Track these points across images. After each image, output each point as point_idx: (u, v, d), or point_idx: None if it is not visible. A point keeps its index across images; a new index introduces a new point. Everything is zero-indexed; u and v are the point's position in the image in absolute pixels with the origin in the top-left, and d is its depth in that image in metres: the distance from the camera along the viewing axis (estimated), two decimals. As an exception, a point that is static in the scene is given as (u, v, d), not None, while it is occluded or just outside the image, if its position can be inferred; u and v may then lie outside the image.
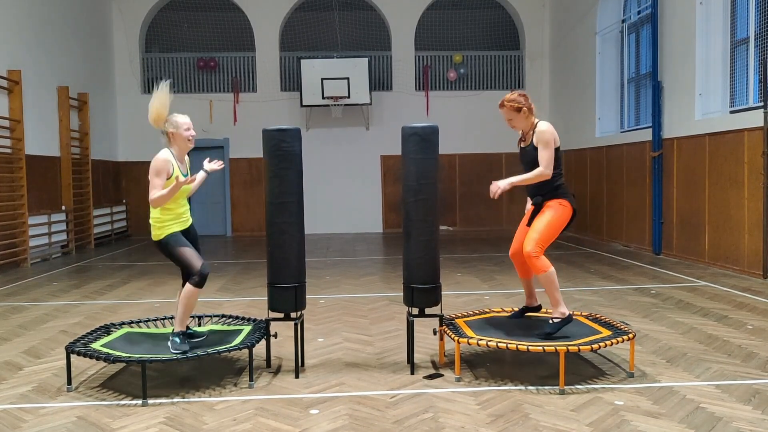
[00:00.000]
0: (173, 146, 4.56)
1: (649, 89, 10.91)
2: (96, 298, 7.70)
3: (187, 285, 4.48)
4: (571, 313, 4.62)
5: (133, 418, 3.83)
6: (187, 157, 4.72)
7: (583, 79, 13.69)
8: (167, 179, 4.41)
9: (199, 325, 5.24)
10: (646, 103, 11.49)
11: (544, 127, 4.60)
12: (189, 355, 4.26)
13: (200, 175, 4.75)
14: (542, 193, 4.61)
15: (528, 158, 4.65)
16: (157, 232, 4.50)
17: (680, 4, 9.88)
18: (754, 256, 8.24)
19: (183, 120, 4.59)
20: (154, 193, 4.36)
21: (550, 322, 4.55)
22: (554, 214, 4.53)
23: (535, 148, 4.58)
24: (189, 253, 4.49)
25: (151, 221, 4.53)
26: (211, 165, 4.84)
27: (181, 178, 4.44)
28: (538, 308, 5.01)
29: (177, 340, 4.43)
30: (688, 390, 4.17)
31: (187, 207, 4.68)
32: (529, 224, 4.68)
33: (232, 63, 15.70)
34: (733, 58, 9.22)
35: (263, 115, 14.94)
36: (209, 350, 4.33)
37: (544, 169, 4.50)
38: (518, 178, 4.57)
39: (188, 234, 4.63)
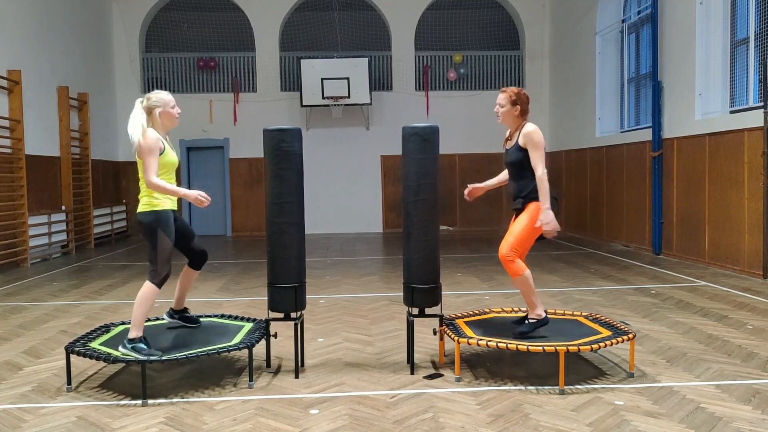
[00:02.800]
0: (156, 124, 4.41)
1: (649, 89, 10.91)
2: (96, 298, 7.70)
3: (148, 284, 4.30)
4: (547, 315, 4.59)
5: (133, 418, 3.83)
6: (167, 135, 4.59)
7: (583, 79, 13.69)
8: (159, 155, 4.33)
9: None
10: (646, 103, 11.50)
11: (531, 128, 4.52)
12: (189, 355, 4.25)
13: (187, 192, 4.50)
14: (522, 194, 4.58)
15: (510, 158, 4.61)
16: (152, 202, 4.33)
17: (680, 4, 9.88)
18: (754, 256, 8.24)
19: (169, 97, 4.45)
20: (152, 177, 4.23)
21: (526, 321, 4.57)
22: (531, 218, 4.48)
23: (519, 149, 4.54)
24: (168, 251, 4.33)
25: (141, 196, 4.39)
26: (198, 197, 4.41)
27: (172, 154, 4.44)
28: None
29: (143, 346, 4.21)
30: (688, 390, 4.17)
31: (174, 184, 4.54)
32: None
33: (232, 63, 15.70)
34: (733, 58, 9.23)
35: (263, 115, 14.95)
36: (209, 350, 4.33)
37: (541, 172, 4.46)
38: (544, 199, 4.44)
39: (176, 221, 4.50)
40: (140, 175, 4.40)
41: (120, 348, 4.26)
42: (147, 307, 4.30)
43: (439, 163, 4.59)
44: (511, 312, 5.22)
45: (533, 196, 4.52)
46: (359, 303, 7.11)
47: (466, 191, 5.02)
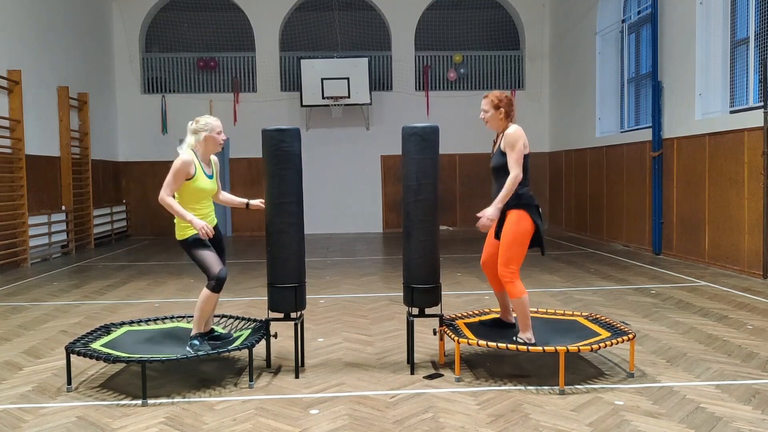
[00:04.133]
0: (198, 147, 4.54)
1: (649, 89, 10.91)
2: (96, 298, 7.70)
3: (204, 289, 4.46)
4: (535, 342, 4.46)
5: (133, 418, 3.83)
6: (213, 157, 4.71)
7: (583, 79, 13.69)
8: (188, 180, 4.43)
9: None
10: (646, 103, 11.49)
11: (512, 129, 4.49)
12: (189, 355, 4.25)
13: (239, 201, 4.91)
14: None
15: (493, 163, 4.58)
16: (181, 232, 4.51)
17: (680, 4, 9.88)
18: (754, 256, 8.24)
19: (216, 123, 4.60)
20: (164, 195, 4.39)
21: (514, 339, 4.49)
22: (516, 230, 4.45)
23: (501, 153, 4.50)
24: (209, 256, 4.46)
25: (175, 220, 4.51)
26: (256, 202, 4.83)
27: (205, 181, 4.51)
28: (512, 326, 4.84)
29: (196, 342, 4.43)
30: (688, 390, 4.17)
31: (212, 208, 4.67)
32: (496, 236, 4.63)
33: (232, 63, 15.70)
34: (733, 58, 9.22)
35: (263, 115, 14.94)
36: (209, 350, 4.33)
37: (515, 174, 4.39)
38: (499, 198, 4.44)
39: (213, 236, 4.58)
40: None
41: (187, 347, 4.47)
42: (204, 312, 4.49)
43: (439, 163, 4.59)
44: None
45: (513, 203, 4.47)
46: (359, 303, 7.11)
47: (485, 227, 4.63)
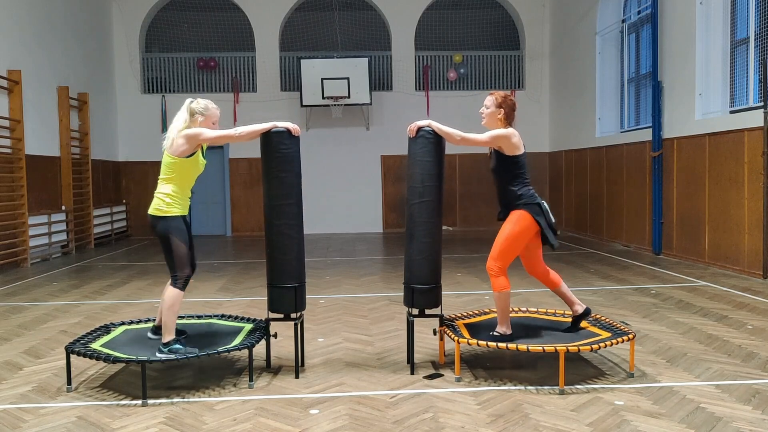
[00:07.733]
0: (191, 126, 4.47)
1: (649, 89, 10.91)
2: (96, 298, 7.70)
3: (171, 288, 4.34)
4: (511, 335, 4.55)
5: (133, 418, 3.83)
6: None
7: (583, 79, 13.69)
8: (190, 156, 4.37)
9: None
10: (646, 103, 11.50)
11: (508, 131, 4.49)
12: (189, 355, 4.25)
13: (264, 125, 4.47)
14: (505, 201, 4.56)
15: (492, 164, 4.62)
16: (161, 208, 4.33)
17: (680, 4, 9.88)
18: (754, 256, 8.24)
19: (216, 113, 4.55)
20: (220, 134, 4.38)
21: (491, 333, 4.58)
22: (513, 229, 4.47)
23: (497, 155, 4.53)
24: (184, 252, 4.38)
25: (156, 195, 4.38)
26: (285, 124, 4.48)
27: (201, 158, 4.48)
28: (587, 312, 4.79)
29: (178, 346, 4.30)
30: (688, 390, 4.17)
31: (190, 195, 4.57)
32: None
33: (232, 63, 15.70)
34: (733, 58, 9.22)
35: (263, 115, 14.86)
36: (209, 350, 4.33)
37: (467, 134, 4.47)
38: (438, 125, 4.47)
39: (187, 226, 4.51)
40: (161, 174, 4.43)
41: (157, 354, 4.28)
42: (175, 311, 4.37)
43: (444, 165, 4.58)
44: (513, 312, 5.21)
45: (516, 202, 4.51)
46: (359, 303, 7.10)
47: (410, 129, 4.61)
